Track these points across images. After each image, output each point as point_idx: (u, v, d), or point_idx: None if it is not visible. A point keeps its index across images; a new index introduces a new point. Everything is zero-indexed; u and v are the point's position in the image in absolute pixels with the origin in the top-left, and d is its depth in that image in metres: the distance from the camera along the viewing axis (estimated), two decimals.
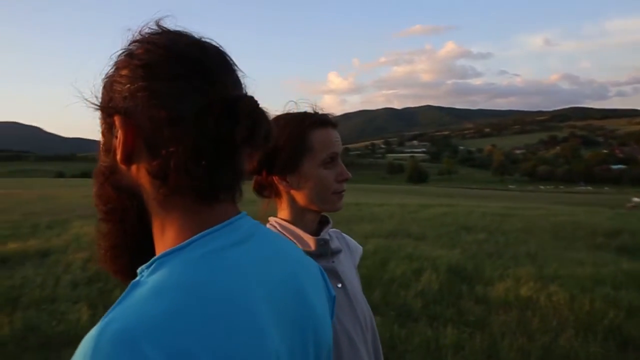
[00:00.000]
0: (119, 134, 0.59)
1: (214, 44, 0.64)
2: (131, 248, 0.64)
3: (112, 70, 0.61)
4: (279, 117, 1.15)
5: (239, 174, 0.64)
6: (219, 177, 0.60)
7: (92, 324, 0.52)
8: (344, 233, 1.36)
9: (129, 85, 0.58)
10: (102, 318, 0.50)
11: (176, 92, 0.57)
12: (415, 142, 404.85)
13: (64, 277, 5.75)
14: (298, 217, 1.17)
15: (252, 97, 0.61)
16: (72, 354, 0.47)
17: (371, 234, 9.48)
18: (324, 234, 1.17)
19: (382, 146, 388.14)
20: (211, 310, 0.52)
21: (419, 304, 4.84)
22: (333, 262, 1.18)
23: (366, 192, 32.90)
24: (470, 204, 19.32)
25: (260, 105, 0.61)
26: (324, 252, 1.15)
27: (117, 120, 0.59)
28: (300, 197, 1.15)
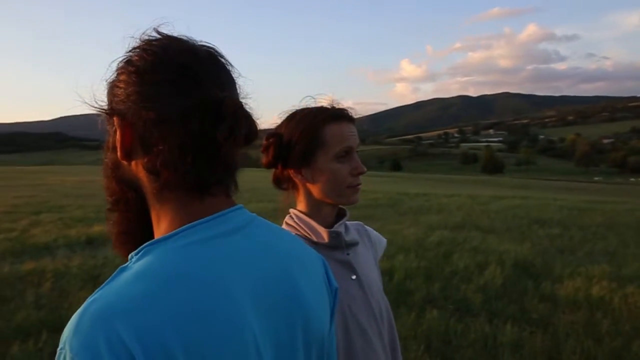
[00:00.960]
0: (118, 133, 0.66)
1: (209, 48, 0.69)
2: (136, 235, 0.70)
3: (114, 75, 0.68)
4: (295, 112, 1.18)
5: (230, 169, 0.68)
6: (208, 173, 0.65)
7: None
8: (387, 226, 1.37)
9: (124, 90, 0.65)
10: (88, 298, 0.56)
11: (163, 95, 0.63)
12: (491, 131, 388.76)
13: None
14: (315, 209, 1.20)
15: (235, 99, 0.65)
16: None
17: (437, 226, 9.31)
18: (337, 227, 1.18)
19: (456, 135, 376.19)
20: (186, 296, 0.56)
21: (480, 299, 4.71)
22: (348, 254, 1.20)
23: (436, 183, 32.20)
24: (546, 196, 18.35)
25: (243, 106, 0.65)
26: (338, 244, 1.17)
27: (115, 120, 0.66)
28: (315, 191, 1.18)
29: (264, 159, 1.17)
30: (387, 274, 5.52)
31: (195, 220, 0.64)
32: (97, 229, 8.30)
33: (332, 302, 0.82)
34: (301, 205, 1.21)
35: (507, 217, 10.71)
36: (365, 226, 1.37)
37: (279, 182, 1.23)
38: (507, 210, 12.06)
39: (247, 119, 0.65)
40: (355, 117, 1.21)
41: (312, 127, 1.14)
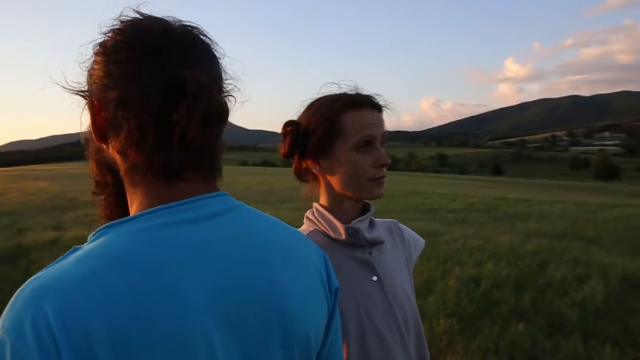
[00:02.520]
0: (90, 114, 0.65)
1: (187, 27, 0.66)
2: (119, 218, 0.69)
3: (92, 58, 0.67)
4: (314, 100, 1.11)
5: (206, 154, 0.65)
6: (175, 156, 0.62)
7: None
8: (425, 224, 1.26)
9: (95, 71, 0.64)
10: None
11: (126, 74, 0.61)
12: (606, 134, 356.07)
13: None
14: (336, 203, 1.12)
15: (199, 78, 0.61)
16: None
17: (534, 233, 8.66)
18: (355, 222, 1.09)
19: (565, 138, 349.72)
20: (120, 281, 0.53)
21: (575, 316, 4.27)
22: (370, 253, 1.10)
23: (539, 188, 30.08)
24: None
25: (208, 85, 0.61)
26: (357, 241, 1.08)
27: (88, 103, 0.65)
28: (335, 183, 1.10)
29: (281, 148, 1.11)
30: (473, 281, 5.24)
31: (162, 205, 0.61)
32: None
33: (332, 302, 0.75)
34: (322, 198, 1.14)
35: (617, 228, 9.67)
36: (400, 224, 1.26)
37: (299, 173, 1.17)
38: (619, 220, 10.89)
39: (209, 98, 0.60)
40: (383, 104, 1.11)
41: (330, 114, 1.06)
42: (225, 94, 0.69)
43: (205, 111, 0.60)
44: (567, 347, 3.60)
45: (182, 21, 0.67)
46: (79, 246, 0.58)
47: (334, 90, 1.12)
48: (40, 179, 25.85)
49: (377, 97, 1.11)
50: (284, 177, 27.85)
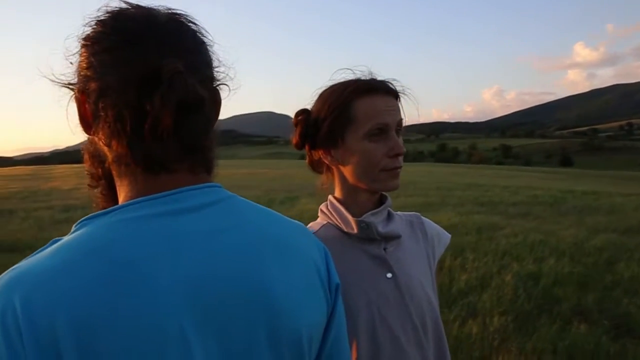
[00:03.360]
0: (76, 106, 0.64)
1: (173, 14, 0.64)
2: None
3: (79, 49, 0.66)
4: (326, 88, 1.05)
5: (193, 145, 0.63)
6: (159, 147, 0.60)
7: None
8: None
9: (80, 63, 0.63)
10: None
11: (105, 64, 0.60)
12: None
13: None
14: (350, 195, 1.06)
15: (173, 64, 0.58)
16: None
17: (603, 228, 8.13)
18: (367, 216, 1.03)
19: None
20: (97, 272, 0.52)
21: None
22: (385, 248, 1.04)
23: (611, 180, 28.26)
24: None
25: (183, 72, 0.58)
26: (370, 236, 1.02)
27: (73, 94, 0.65)
28: (348, 174, 1.04)
29: (292, 138, 1.07)
30: (532, 278, 5.00)
31: (145, 197, 0.59)
32: None
33: (333, 299, 0.71)
34: (337, 190, 1.09)
35: None
36: (423, 218, 1.19)
37: (312, 164, 1.12)
38: None
39: (184, 86, 0.58)
40: (399, 90, 1.04)
41: (341, 101, 1.00)
42: (217, 82, 0.67)
43: (178, 99, 0.58)
44: (636, 352, 3.35)
45: (171, 9, 0.65)
46: (60, 237, 0.58)
47: (348, 76, 1.06)
48: None
49: (393, 82, 1.04)
50: None
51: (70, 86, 0.65)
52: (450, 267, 5.36)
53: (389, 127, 1.00)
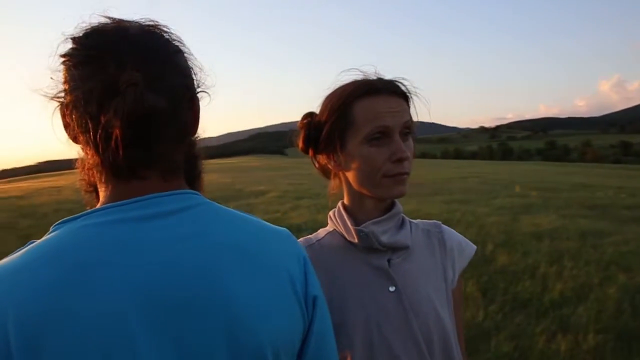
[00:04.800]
0: (60, 118, 0.68)
1: (146, 26, 0.67)
2: None
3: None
4: (332, 90, 1.01)
5: (163, 153, 0.66)
6: (124, 155, 0.62)
7: None
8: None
9: (61, 77, 0.67)
10: None
11: (76, 79, 0.64)
12: None
13: None
14: (356, 202, 1.01)
15: (129, 76, 0.60)
16: None
17: None
18: (366, 225, 0.97)
19: None
20: (54, 274, 0.55)
21: None
22: (390, 259, 0.98)
23: None
24: None
25: (135, 83, 0.60)
26: (371, 245, 0.97)
27: (57, 106, 0.68)
28: (352, 180, 0.99)
29: (297, 142, 1.04)
30: None
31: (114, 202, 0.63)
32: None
33: (310, 311, 0.69)
34: (345, 196, 1.05)
35: None
36: (443, 226, 1.09)
37: (321, 169, 1.08)
38: None
39: (137, 98, 0.60)
40: (408, 90, 0.98)
41: (340, 104, 0.96)
42: (196, 89, 0.70)
43: (129, 110, 0.60)
44: None
45: (151, 21, 0.68)
46: (35, 240, 0.62)
47: (357, 77, 1.00)
48: (211, 172, 28.98)
49: (400, 81, 0.97)
50: (437, 168, 27.07)
51: (56, 99, 0.70)
52: (544, 275, 4.98)
53: (390, 130, 0.94)
